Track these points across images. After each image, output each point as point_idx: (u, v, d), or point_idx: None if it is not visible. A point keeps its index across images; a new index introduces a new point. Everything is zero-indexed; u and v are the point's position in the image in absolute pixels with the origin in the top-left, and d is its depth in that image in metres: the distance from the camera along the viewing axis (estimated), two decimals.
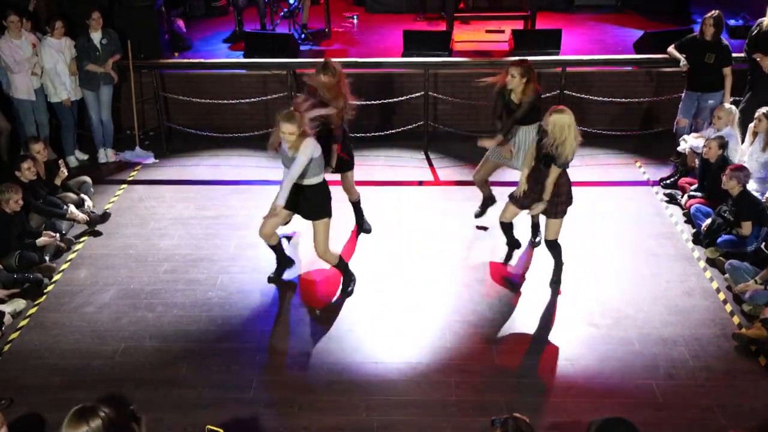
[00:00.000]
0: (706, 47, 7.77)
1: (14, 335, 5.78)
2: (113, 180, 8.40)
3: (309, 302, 6.17)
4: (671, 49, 8.21)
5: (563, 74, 8.73)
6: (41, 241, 6.57)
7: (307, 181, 5.65)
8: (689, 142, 7.61)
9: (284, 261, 6.44)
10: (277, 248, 6.31)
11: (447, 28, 10.14)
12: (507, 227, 6.41)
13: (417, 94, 8.91)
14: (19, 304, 6.07)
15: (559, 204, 5.85)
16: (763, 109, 6.99)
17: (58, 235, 6.80)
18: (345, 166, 6.64)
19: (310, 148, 5.45)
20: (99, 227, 7.26)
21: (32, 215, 6.82)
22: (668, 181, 7.92)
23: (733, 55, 7.90)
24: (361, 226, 7.16)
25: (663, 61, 8.65)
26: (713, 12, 7.73)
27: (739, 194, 6.43)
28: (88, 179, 7.88)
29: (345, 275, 6.26)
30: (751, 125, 7.14)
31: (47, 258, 6.61)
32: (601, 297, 6.14)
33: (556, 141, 5.47)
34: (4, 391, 5.10)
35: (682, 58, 8.00)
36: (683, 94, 8.13)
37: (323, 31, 10.80)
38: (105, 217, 7.36)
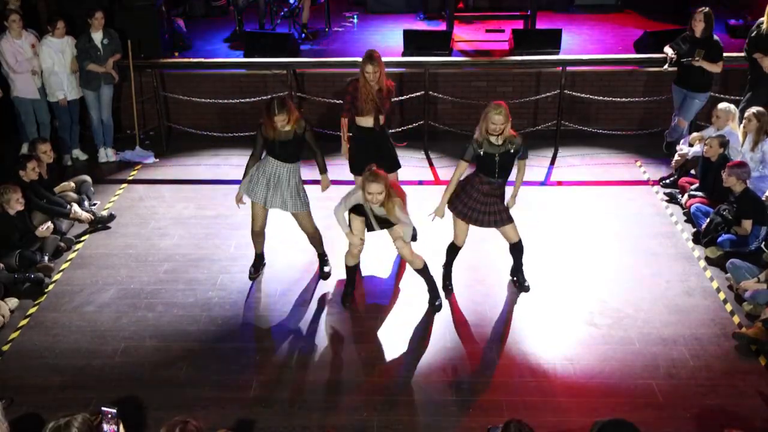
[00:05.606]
0: (695, 43, 7.72)
1: (14, 335, 5.78)
2: (113, 180, 8.40)
3: (309, 302, 6.17)
4: (667, 48, 8.20)
5: (563, 74, 8.71)
6: (40, 231, 6.55)
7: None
8: (691, 152, 7.58)
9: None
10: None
11: (447, 28, 10.13)
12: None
13: (417, 94, 8.92)
14: (12, 302, 6.06)
15: None
16: (753, 109, 6.99)
17: (52, 226, 6.73)
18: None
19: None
20: (99, 227, 7.26)
21: (35, 214, 6.81)
22: (668, 181, 7.92)
23: (733, 55, 7.87)
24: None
25: (663, 61, 8.63)
26: (703, 8, 7.65)
27: (741, 192, 6.42)
28: (88, 179, 7.87)
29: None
30: (740, 126, 7.14)
31: (46, 257, 6.60)
32: (601, 297, 6.13)
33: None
34: (4, 391, 5.09)
35: (669, 53, 7.94)
36: (672, 87, 8.13)
37: (323, 31, 10.80)
38: (111, 218, 7.35)
